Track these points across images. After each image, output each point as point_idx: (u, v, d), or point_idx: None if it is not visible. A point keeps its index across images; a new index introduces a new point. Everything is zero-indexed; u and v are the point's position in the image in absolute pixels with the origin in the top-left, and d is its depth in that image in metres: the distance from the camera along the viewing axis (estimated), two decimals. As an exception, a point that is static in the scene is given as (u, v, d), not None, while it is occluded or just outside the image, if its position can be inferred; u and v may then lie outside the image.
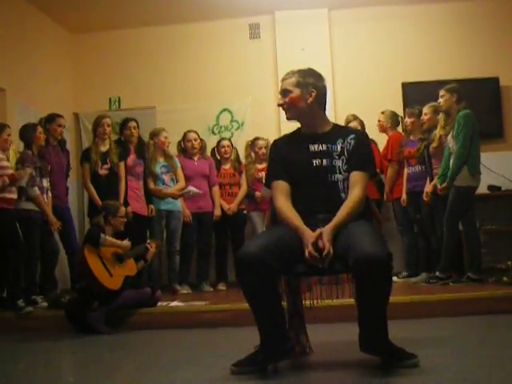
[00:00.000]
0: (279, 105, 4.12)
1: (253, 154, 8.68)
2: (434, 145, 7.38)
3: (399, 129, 8.55)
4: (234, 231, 8.65)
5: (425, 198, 7.56)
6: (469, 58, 9.40)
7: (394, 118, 8.49)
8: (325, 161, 3.98)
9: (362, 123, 8.41)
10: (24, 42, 8.81)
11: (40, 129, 7.27)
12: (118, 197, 7.56)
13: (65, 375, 4.61)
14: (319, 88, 4.04)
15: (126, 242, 6.46)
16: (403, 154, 7.98)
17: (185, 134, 8.61)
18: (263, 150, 8.39)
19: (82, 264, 6.08)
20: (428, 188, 7.50)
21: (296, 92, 4.01)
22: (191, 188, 8.17)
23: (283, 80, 4.10)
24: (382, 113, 8.53)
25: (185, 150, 8.59)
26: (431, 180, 7.54)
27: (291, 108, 4.05)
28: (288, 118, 4.13)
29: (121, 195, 7.68)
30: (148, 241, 7.12)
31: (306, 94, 4.00)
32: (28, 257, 6.89)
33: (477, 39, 9.49)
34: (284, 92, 4.06)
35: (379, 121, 8.51)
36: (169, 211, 8.22)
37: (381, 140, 8.46)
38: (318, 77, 4.09)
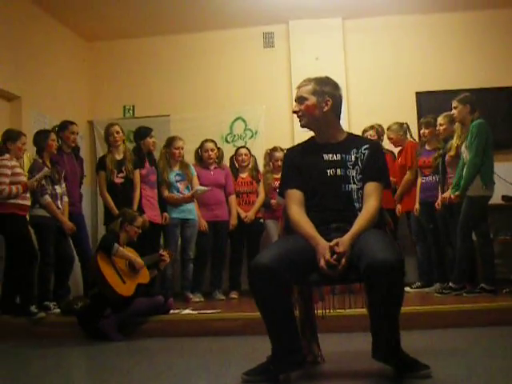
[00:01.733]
0: (294, 111, 4.10)
1: (271, 163, 8.68)
2: (452, 153, 7.31)
3: (408, 136, 8.51)
4: (250, 239, 8.65)
5: (436, 206, 7.54)
6: (483, 68, 9.38)
7: (402, 128, 8.44)
8: (339, 170, 3.97)
9: (378, 130, 8.39)
10: (40, 50, 8.86)
11: (53, 136, 7.30)
12: (132, 205, 7.57)
13: (77, 381, 4.62)
14: (335, 97, 4.04)
15: (140, 260, 6.44)
16: (418, 163, 7.96)
17: (202, 144, 8.60)
18: (279, 163, 8.38)
19: (95, 270, 6.10)
20: (442, 198, 7.46)
21: (312, 100, 4.00)
22: (198, 187, 8.17)
23: (299, 87, 4.10)
24: (388, 129, 8.45)
25: (201, 159, 8.59)
26: (443, 190, 7.52)
27: (306, 115, 4.03)
28: (302, 126, 4.11)
29: (135, 203, 7.68)
30: (161, 250, 7.12)
31: (321, 103, 3.99)
32: (42, 263, 6.92)
33: (491, 49, 9.47)
34: (300, 99, 4.05)
35: (391, 138, 8.45)
36: (184, 219, 8.21)
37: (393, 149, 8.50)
38: (335, 86, 4.08)
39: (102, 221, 8.25)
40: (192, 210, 8.26)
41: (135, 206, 7.57)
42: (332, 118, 4.06)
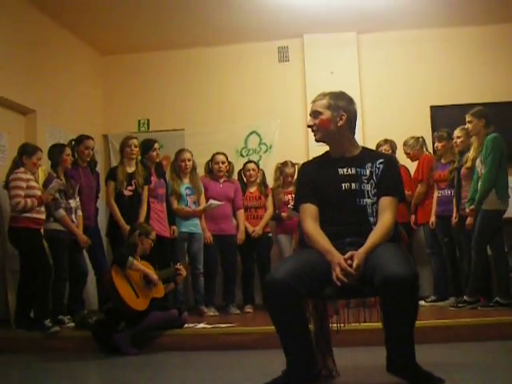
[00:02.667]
0: (309, 126, 4.10)
1: (281, 178, 8.69)
2: (468, 165, 7.28)
3: (424, 149, 8.50)
4: (260, 254, 8.63)
5: (453, 222, 7.52)
6: (497, 82, 9.37)
7: (418, 142, 8.44)
8: (354, 184, 3.97)
9: (392, 145, 8.41)
10: (55, 64, 8.91)
11: (68, 150, 7.31)
12: (138, 219, 7.55)
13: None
14: (350, 112, 4.04)
15: (154, 275, 6.44)
16: (433, 177, 7.96)
17: (213, 156, 8.59)
18: (289, 179, 8.44)
19: (109, 284, 6.09)
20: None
21: (326, 114, 4.00)
22: (212, 201, 8.17)
23: (314, 101, 4.10)
24: (405, 144, 8.46)
25: (211, 171, 8.60)
26: (458, 203, 7.50)
27: (320, 130, 4.04)
28: (317, 140, 4.11)
29: (141, 217, 7.63)
30: (178, 264, 7.12)
31: (336, 117, 4.00)
32: (56, 277, 6.92)
33: (505, 63, 9.45)
34: (314, 113, 4.06)
35: (408, 154, 8.45)
36: (190, 234, 8.20)
37: (408, 163, 8.50)
38: (350, 100, 4.09)
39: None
40: (197, 225, 8.27)
41: (141, 221, 7.55)
42: (346, 133, 4.07)
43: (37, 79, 8.43)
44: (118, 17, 9.04)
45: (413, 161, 8.49)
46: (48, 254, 6.89)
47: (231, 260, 8.54)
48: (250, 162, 9.02)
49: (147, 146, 8.14)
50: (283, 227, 8.55)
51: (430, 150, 8.55)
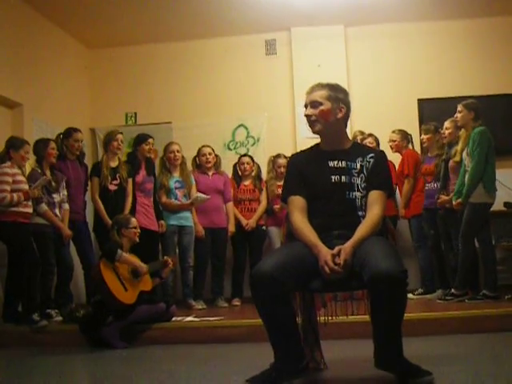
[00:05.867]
0: (307, 115, 4.02)
1: (274, 170, 8.70)
2: (457, 159, 7.28)
3: (409, 146, 8.52)
4: (253, 247, 8.66)
5: (438, 201, 7.54)
6: (484, 75, 9.40)
7: (406, 137, 8.46)
8: (343, 177, 3.96)
9: (377, 139, 8.42)
10: (41, 57, 8.88)
11: (52, 145, 7.29)
12: (123, 212, 7.51)
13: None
14: (347, 104, 4.03)
15: (144, 265, 6.44)
16: (420, 170, 7.97)
17: (199, 149, 8.62)
18: (282, 169, 8.38)
19: (97, 278, 6.09)
20: (442, 199, 7.45)
21: (327, 105, 3.96)
22: (199, 194, 8.16)
23: (311, 92, 4.03)
24: (394, 132, 8.47)
25: (199, 164, 8.61)
26: (441, 191, 7.53)
27: (320, 121, 3.97)
28: (315, 132, 4.05)
29: (126, 210, 7.61)
30: (165, 257, 7.12)
31: (336, 109, 3.97)
32: (43, 271, 6.91)
33: (492, 56, 9.49)
34: (313, 103, 3.99)
35: (394, 141, 8.43)
36: (181, 226, 8.21)
37: (393, 159, 8.48)
38: (346, 93, 4.08)
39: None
40: (188, 218, 8.27)
41: (126, 213, 7.49)
42: (342, 126, 4.08)
43: (23, 73, 8.40)
44: (104, 10, 9.01)
45: (394, 151, 8.47)
46: (35, 248, 6.87)
47: (221, 253, 8.56)
48: (244, 155, 9.05)
49: (142, 138, 8.16)
50: (275, 219, 8.58)
51: (416, 145, 8.57)
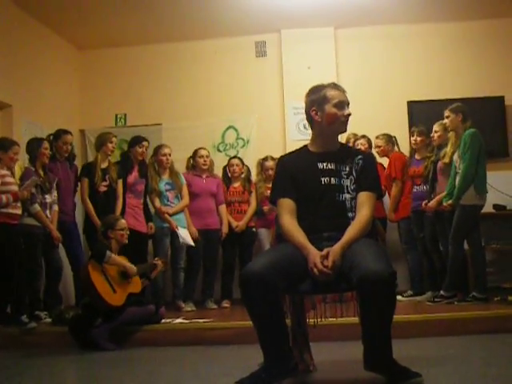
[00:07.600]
0: (350, 114, 4.17)
1: (263, 173, 8.70)
2: (446, 160, 7.31)
3: (395, 148, 8.53)
4: (243, 248, 8.66)
5: (424, 206, 7.55)
6: (474, 77, 9.42)
7: (390, 140, 8.47)
8: (333, 179, 3.98)
9: (369, 141, 8.43)
10: (31, 59, 8.85)
11: (46, 144, 7.29)
12: (113, 213, 7.49)
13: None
14: None
15: (133, 267, 6.43)
16: (408, 173, 7.98)
17: (196, 151, 8.62)
18: (270, 172, 8.36)
19: (86, 280, 6.07)
20: (432, 203, 7.46)
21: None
22: (183, 239, 8.12)
23: (343, 91, 4.20)
24: (378, 138, 8.50)
25: (195, 166, 8.60)
26: (431, 197, 7.53)
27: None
28: (345, 131, 4.20)
29: (117, 212, 7.63)
30: (156, 258, 7.12)
31: None
32: (31, 272, 6.89)
33: (482, 58, 9.50)
34: (347, 104, 4.16)
35: (380, 146, 8.46)
36: (174, 228, 8.22)
37: (383, 161, 8.51)
38: None
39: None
40: (182, 219, 8.28)
41: (117, 214, 7.49)
42: None
43: (13, 74, 8.36)
44: (94, 12, 8.98)
45: (381, 156, 8.50)
46: (24, 250, 6.84)
47: (213, 255, 8.57)
48: (234, 157, 9.06)
49: (136, 140, 8.19)
50: (264, 221, 8.58)
51: (403, 147, 8.56)
